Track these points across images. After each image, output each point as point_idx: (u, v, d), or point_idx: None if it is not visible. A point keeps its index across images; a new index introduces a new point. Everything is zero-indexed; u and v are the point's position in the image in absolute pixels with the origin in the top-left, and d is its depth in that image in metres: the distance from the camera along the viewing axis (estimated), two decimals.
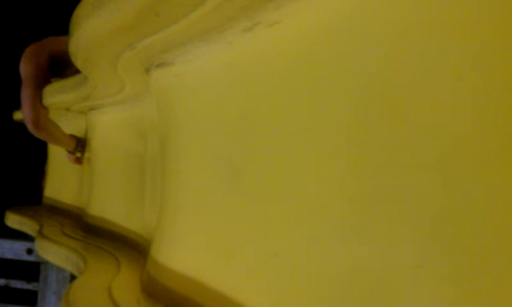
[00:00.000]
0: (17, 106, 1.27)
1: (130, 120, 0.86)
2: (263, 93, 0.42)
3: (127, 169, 0.89)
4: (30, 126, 1.04)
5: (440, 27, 0.28)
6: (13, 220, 1.44)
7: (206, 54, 0.47)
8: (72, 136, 1.14)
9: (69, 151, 1.16)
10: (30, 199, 1.64)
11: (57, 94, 0.96)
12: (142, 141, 0.82)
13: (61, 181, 1.41)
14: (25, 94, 1.03)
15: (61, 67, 1.08)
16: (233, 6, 0.38)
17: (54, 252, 0.96)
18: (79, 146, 1.14)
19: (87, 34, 0.50)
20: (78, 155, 1.15)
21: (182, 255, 0.54)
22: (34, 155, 1.82)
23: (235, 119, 0.45)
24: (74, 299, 0.58)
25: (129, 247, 0.85)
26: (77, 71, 0.76)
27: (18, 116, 1.51)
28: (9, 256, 1.65)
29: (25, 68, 1.05)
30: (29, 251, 1.62)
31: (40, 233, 1.09)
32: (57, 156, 1.40)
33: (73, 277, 1.30)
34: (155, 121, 0.74)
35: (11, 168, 1.98)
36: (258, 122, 0.42)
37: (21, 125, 1.29)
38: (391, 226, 0.31)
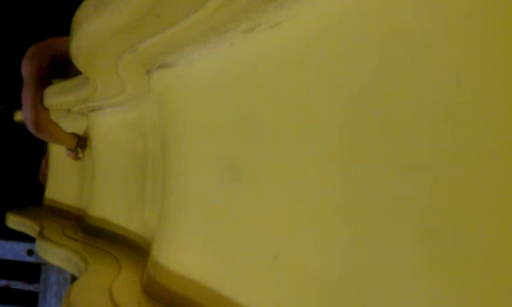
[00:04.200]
0: (18, 107, 1.27)
1: (130, 121, 0.87)
2: (263, 93, 0.42)
3: (128, 170, 0.89)
4: (30, 127, 1.04)
5: (440, 27, 0.28)
6: (14, 222, 1.44)
7: (207, 55, 0.47)
8: (73, 134, 1.15)
9: (69, 149, 1.16)
10: (31, 200, 1.64)
11: (58, 96, 0.96)
12: (143, 142, 0.82)
13: (62, 182, 1.41)
14: (26, 95, 1.04)
15: (62, 68, 1.08)
16: (234, 8, 0.38)
17: (55, 254, 0.96)
18: (80, 145, 1.15)
19: (88, 35, 0.50)
20: (79, 150, 1.16)
21: (182, 256, 0.54)
22: (34, 156, 1.83)
23: (236, 120, 0.45)
24: (75, 300, 0.58)
25: (130, 248, 0.85)
26: (79, 72, 0.76)
27: (18, 116, 1.51)
28: (10, 257, 1.65)
29: (27, 69, 1.06)
30: (30, 252, 1.62)
31: (41, 234, 1.10)
32: (58, 158, 1.40)
33: (74, 279, 1.30)
34: (155, 122, 0.74)
35: (11, 169, 1.98)
36: (259, 123, 0.42)
37: (22, 125, 1.29)
38: (391, 226, 0.31)
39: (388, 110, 0.31)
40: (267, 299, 0.40)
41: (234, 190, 0.45)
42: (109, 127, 0.96)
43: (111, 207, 0.95)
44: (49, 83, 1.04)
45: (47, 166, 1.58)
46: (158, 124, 0.65)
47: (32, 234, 1.26)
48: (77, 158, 1.18)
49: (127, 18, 0.42)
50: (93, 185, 1.03)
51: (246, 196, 0.44)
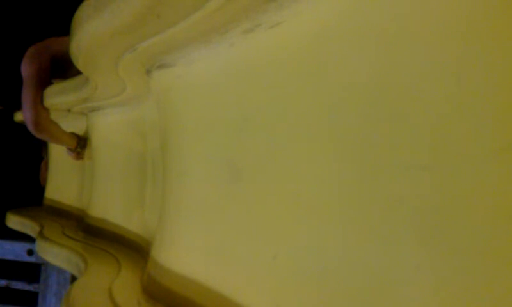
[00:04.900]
0: (18, 107, 1.27)
1: (130, 121, 0.87)
2: (263, 93, 0.42)
3: (128, 170, 0.89)
4: (30, 127, 1.04)
5: (440, 28, 0.28)
6: (14, 222, 1.44)
7: (207, 55, 0.47)
8: (73, 134, 1.15)
9: (70, 149, 1.16)
10: (31, 200, 1.64)
11: (58, 96, 0.96)
12: (142, 142, 0.82)
13: (62, 182, 1.41)
14: (26, 95, 1.03)
15: (62, 68, 1.08)
16: (234, 8, 0.38)
17: (55, 254, 0.96)
18: (80, 145, 1.15)
19: (88, 35, 0.50)
20: (79, 150, 1.16)
21: (182, 256, 0.54)
22: (34, 156, 1.83)
23: (236, 120, 0.45)
24: (75, 300, 0.58)
25: (130, 248, 0.85)
26: (79, 72, 0.76)
27: (19, 117, 1.51)
28: (10, 257, 1.65)
29: (27, 69, 1.05)
30: (30, 252, 1.62)
31: (41, 234, 1.10)
32: (59, 158, 1.40)
33: (74, 279, 1.30)
34: (155, 122, 0.74)
35: (11, 169, 1.98)
36: (259, 123, 0.42)
37: (22, 126, 1.29)
38: (391, 227, 0.31)
39: (388, 110, 0.31)
40: (267, 299, 0.40)
41: (234, 190, 0.45)
42: (109, 127, 0.96)
43: (111, 207, 0.95)
44: (49, 83, 1.04)
45: (46, 169, 1.58)
46: (158, 124, 0.65)
47: (33, 234, 1.26)
48: (78, 158, 1.18)
49: (127, 18, 0.42)
50: (93, 185, 1.03)
51: (246, 196, 0.44)
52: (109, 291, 0.61)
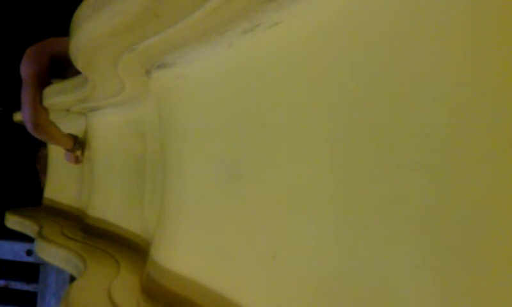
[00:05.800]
0: (17, 107, 1.27)
1: (129, 121, 0.86)
2: (263, 94, 0.42)
3: (127, 170, 0.89)
4: (29, 127, 1.04)
5: (439, 28, 0.28)
6: (13, 222, 1.44)
7: (206, 55, 0.47)
8: (70, 135, 1.15)
9: (68, 150, 1.16)
10: (30, 200, 1.64)
11: (57, 96, 0.96)
12: (142, 142, 0.82)
13: (61, 182, 1.41)
14: (25, 95, 1.03)
15: (61, 68, 1.08)
16: (233, 8, 0.38)
17: (54, 254, 0.96)
18: (77, 145, 1.15)
19: (87, 35, 0.50)
20: (78, 152, 1.16)
21: (181, 256, 0.54)
22: (34, 157, 1.83)
23: (236, 120, 0.45)
24: (74, 300, 0.58)
25: (129, 248, 0.85)
26: (78, 73, 0.76)
27: (18, 117, 1.51)
28: (9, 257, 1.65)
29: (26, 69, 1.05)
30: (29, 252, 1.62)
31: (40, 234, 1.09)
32: (57, 158, 1.40)
33: (72, 279, 1.30)
34: (155, 122, 0.74)
35: (11, 169, 1.98)
36: (258, 123, 0.42)
37: (21, 126, 1.29)
38: (390, 227, 0.31)
39: (386, 109, 0.31)
40: (267, 299, 0.40)
41: (234, 190, 0.45)
42: (108, 127, 0.96)
43: (110, 207, 0.95)
44: (49, 83, 1.04)
45: (44, 175, 1.57)
46: (157, 124, 0.65)
47: (31, 234, 1.26)
48: (77, 162, 1.18)
49: (126, 18, 0.42)
50: (92, 185, 1.03)
51: (246, 196, 0.44)
52: (108, 292, 0.61)
